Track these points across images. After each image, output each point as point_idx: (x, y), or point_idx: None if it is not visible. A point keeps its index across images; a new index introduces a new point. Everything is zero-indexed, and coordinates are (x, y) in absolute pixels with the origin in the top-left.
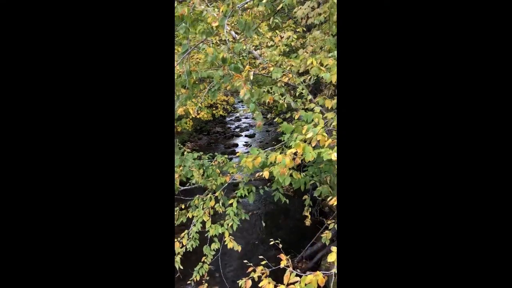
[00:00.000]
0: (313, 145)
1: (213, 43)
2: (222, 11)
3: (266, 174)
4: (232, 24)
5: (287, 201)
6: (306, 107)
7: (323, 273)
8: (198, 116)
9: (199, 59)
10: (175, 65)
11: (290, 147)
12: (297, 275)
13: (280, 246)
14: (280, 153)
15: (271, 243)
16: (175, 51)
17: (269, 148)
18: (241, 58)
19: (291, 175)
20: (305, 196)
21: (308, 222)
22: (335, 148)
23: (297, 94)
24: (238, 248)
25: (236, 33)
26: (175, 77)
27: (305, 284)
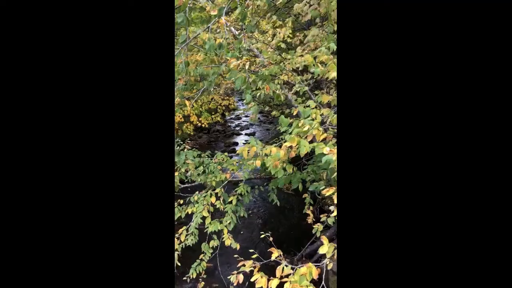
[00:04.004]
0: (308, 140)
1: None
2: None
3: (258, 163)
4: (232, 21)
5: (278, 202)
6: (305, 105)
7: (315, 265)
8: (200, 124)
9: (199, 60)
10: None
11: (285, 141)
12: (291, 268)
13: (271, 239)
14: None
15: (263, 235)
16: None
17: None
18: (239, 48)
19: (284, 169)
20: (305, 194)
21: (310, 219)
22: (330, 143)
23: (298, 90)
24: (236, 246)
25: (236, 29)
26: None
27: (300, 275)
